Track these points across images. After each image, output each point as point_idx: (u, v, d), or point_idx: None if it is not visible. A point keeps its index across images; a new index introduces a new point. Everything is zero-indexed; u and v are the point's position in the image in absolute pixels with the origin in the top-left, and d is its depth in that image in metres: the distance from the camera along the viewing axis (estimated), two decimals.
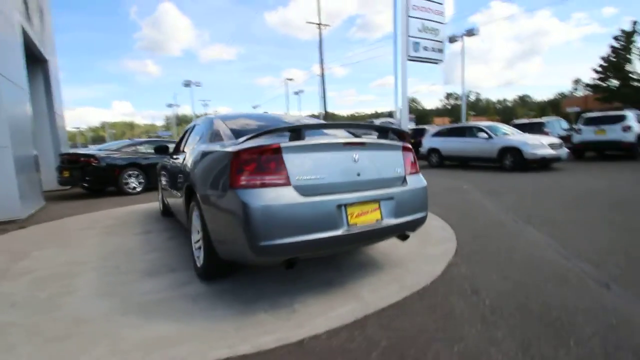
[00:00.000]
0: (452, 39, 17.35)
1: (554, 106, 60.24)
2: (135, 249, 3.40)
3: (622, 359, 1.50)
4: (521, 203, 5.02)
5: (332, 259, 2.83)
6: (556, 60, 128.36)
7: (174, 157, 3.80)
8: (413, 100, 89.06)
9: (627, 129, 9.79)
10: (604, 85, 24.29)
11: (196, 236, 2.66)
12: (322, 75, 29.28)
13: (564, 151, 9.10)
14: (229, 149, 2.00)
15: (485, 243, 3.21)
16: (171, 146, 4.37)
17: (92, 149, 8.67)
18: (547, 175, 7.99)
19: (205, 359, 1.61)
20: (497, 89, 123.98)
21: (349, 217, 2.04)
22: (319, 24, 28.46)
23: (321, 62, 28.82)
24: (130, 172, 7.68)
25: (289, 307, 2.09)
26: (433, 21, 16.83)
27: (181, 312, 2.07)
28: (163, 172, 4.34)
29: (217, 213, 2.07)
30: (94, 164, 7.16)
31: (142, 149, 8.25)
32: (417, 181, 2.53)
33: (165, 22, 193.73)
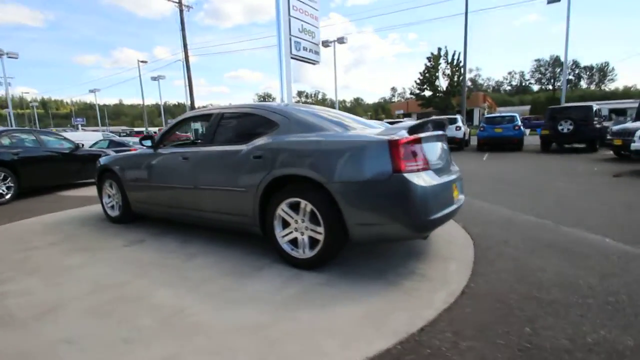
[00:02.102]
0: (325, 44, 19.26)
1: (382, 108, 74.17)
2: (163, 261, 2.86)
3: (613, 260, 2.65)
4: None
5: None
6: (377, 70, 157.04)
7: (187, 148, 3.30)
8: (269, 96, 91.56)
9: (459, 128, 13.64)
10: (422, 94, 31.99)
11: (282, 230, 2.61)
12: (187, 60, 26.82)
13: None
14: (386, 138, 2.20)
15: (461, 212, 4.29)
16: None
17: None
18: None
19: (423, 318, 1.88)
20: (338, 90, 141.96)
21: (453, 194, 2.59)
22: (180, 3, 25.87)
23: (184, 47, 26.33)
24: None
25: (416, 273, 2.47)
26: (310, 24, 18.17)
27: (342, 295, 2.16)
28: (149, 169, 3.57)
29: (369, 197, 2.22)
30: None
31: (5, 141, 6.00)
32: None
33: None
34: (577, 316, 1.88)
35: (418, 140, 2.30)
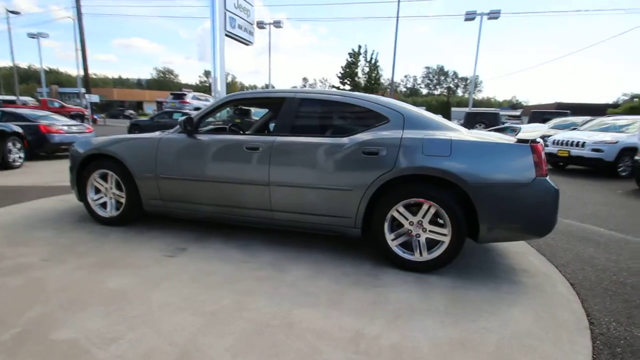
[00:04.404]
0: (260, 25, 18.17)
1: None
2: (249, 273, 2.38)
3: (631, 248, 3.30)
4: None
5: None
6: (288, 58, 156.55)
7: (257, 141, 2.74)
8: (170, 72, 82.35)
9: None
10: (343, 88, 33.32)
11: (391, 234, 2.47)
12: (80, 19, 22.17)
13: None
14: (527, 143, 2.25)
15: None
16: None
17: None
18: None
19: (579, 312, 2.04)
20: (248, 74, 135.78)
21: None
22: None
23: (77, 2, 21.65)
24: None
25: (517, 269, 2.63)
26: (246, 1, 16.90)
27: (491, 299, 2.16)
28: (188, 159, 2.84)
29: (510, 200, 2.24)
30: None
31: None
32: None
33: None
34: None
35: (541, 146, 2.44)
